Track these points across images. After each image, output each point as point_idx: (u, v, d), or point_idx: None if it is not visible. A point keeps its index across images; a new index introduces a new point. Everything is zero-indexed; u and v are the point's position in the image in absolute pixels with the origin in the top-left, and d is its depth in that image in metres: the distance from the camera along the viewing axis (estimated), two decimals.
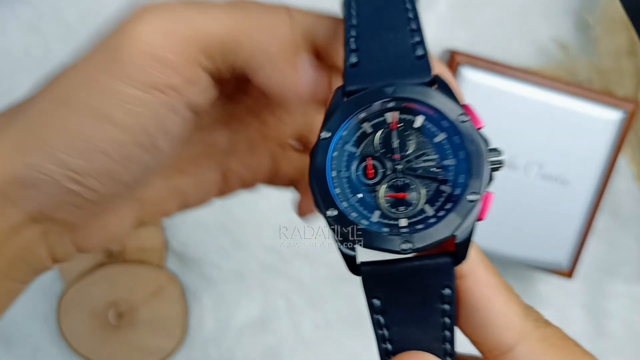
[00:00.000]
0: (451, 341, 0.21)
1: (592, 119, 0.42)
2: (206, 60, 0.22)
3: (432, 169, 0.21)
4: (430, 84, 0.21)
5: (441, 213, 0.20)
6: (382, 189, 0.21)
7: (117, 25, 0.22)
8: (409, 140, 0.21)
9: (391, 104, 0.21)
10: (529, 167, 0.43)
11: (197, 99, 0.23)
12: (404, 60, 0.21)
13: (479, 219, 0.21)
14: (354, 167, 0.21)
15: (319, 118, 0.30)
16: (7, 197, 0.22)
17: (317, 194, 0.20)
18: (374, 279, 0.21)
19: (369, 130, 0.21)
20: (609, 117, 0.42)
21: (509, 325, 0.21)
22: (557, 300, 0.49)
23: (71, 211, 0.23)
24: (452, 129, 0.21)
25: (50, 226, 0.24)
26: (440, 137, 0.21)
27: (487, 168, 0.21)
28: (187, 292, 0.49)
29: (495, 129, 0.43)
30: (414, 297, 0.21)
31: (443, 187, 0.21)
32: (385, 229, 0.20)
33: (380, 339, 0.21)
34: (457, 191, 0.21)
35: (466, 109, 0.21)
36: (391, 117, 0.21)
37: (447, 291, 0.21)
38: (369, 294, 0.21)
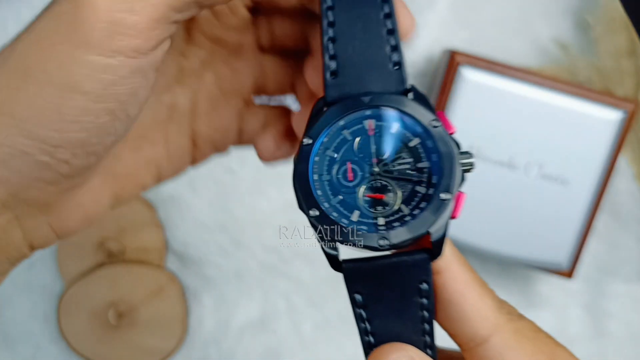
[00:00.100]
0: (430, 334, 0.23)
1: (592, 119, 0.42)
2: (176, 12, 0.22)
3: (407, 171, 0.22)
4: (405, 92, 0.23)
5: (416, 212, 0.22)
6: (361, 191, 0.22)
7: None
8: (386, 145, 0.23)
9: (368, 112, 0.22)
10: (529, 167, 0.43)
11: (160, 57, 0.23)
12: (381, 70, 0.23)
13: (453, 217, 0.22)
14: (334, 170, 0.22)
15: (273, 66, 0.30)
16: None
17: (300, 196, 0.22)
18: (355, 275, 0.22)
19: (349, 136, 0.23)
20: (609, 117, 0.42)
21: (483, 318, 0.22)
22: (557, 300, 0.49)
23: (43, 189, 0.23)
24: (425, 134, 0.22)
25: (23, 209, 0.24)
26: (415, 141, 0.22)
27: (458, 169, 0.22)
28: (187, 292, 0.49)
29: (495, 129, 0.43)
30: (394, 291, 0.22)
31: (418, 188, 0.22)
32: (364, 228, 0.22)
33: (363, 332, 0.22)
34: (431, 191, 0.22)
35: (439, 116, 0.22)
36: (368, 124, 0.23)
37: (424, 286, 0.22)
38: (351, 289, 0.22)
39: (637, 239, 0.48)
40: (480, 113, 0.42)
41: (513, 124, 0.42)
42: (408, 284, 0.22)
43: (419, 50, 0.46)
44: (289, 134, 0.30)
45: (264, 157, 0.30)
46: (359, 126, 0.23)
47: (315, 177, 0.22)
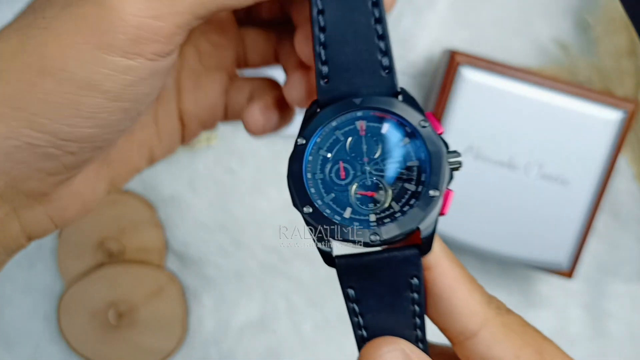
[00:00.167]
0: (422, 328, 0.23)
1: (592, 119, 0.42)
2: (196, 18, 0.23)
3: (397, 170, 0.23)
4: (395, 95, 0.24)
5: (406, 208, 0.23)
6: (353, 189, 0.23)
7: None
8: (377, 145, 0.23)
9: (359, 113, 0.23)
10: (529, 167, 0.43)
11: (175, 59, 0.24)
12: (372, 75, 0.24)
13: (442, 214, 0.23)
14: (327, 169, 0.23)
15: (254, 38, 0.30)
16: None
17: (294, 193, 0.23)
18: (348, 270, 0.23)
19: (341, 137, 0.23)
20: (609, 117, 0.42)
21: (472, 312, 0.23)
22: (557, 300, 0.49)
23: (43, 179, 0.24)
24: (414, 134, 0.23)
25: (21, 200, 0.24)
26: (404, 141, 0.23)
27: (446, 168, 0.23)
28: (187, 292, 0.49)
29: (495, 129, 0.43)
30: (385, 286, 0.23)
31: (407, 186, 0.23)
32: (356, 224, 0.23)
33: (356, 326, 0.23)
34: (420, 189, 0.23)
35: (427, 116, 0.23)
36: (359, 125, 0.23)
37: (415, 281, 0.23)
38: (344, 284, 0.23)
39: (637, 239, 0.48)
40: (480, 113, 0.42)
41: (513, 124, 0.42)
42: (399, 278, 0.23)
43: (419, 50, 0.46)
44: (276, 105, 0.30)
45: (253, 130, 0.30)
46: (351, 127, 0.23)
47: (309, 175, 0.23)
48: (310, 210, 0.23)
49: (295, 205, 0.23)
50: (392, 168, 0.23)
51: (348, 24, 0.24)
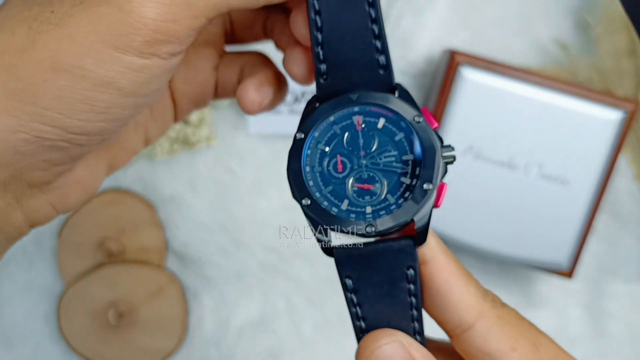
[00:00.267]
0: (419, 320, 0.24)
1: (592, 119, 0.42)
2: (208, 19, 0.24)
3: (393, 164, 0.24)
4: (391, 90, 0.24)
5: (401, 201, 0.23)
6: (350, 181, 0.24)
7: None
8: (373, 139, 0.24)
9: (356, 109, 0.24)
10: (529, 167, 0.43)
11: (183, 56, 0.24)
12: (369, 72, 0.24)
13: (436, 206, 0.24)
14: (325, 163, 0.24)
15: (241, 13, 0.30)
16: None
17: (293, 186, 0.24)
18: (346, 260, 0.24)
19: (338, 131, 0.24)
20: (609, 117, 0.42)
21: (468, 305, 0.23)
22: (557, 300, 0.49)
23: (48, 169, 0.24)
24: (409, 129, 0.24)
25: (24, 189, 0.24)
26: (399, 135, 0.24)
27: (440, 162, 0.23)
28: (187, 292, 0.49)
29: (495, 129, 0.43)
30: (382, 276, 0.24)
31: (402, 179, 0.24)
32: (353, 215, 0.23)
33: (354, 317, 0.24)
34: (414, 182, 0.23)
35: (422, 112, 0.24)
36: (356, 120, 0.24)
37: (411, 271, 0.23)
38: (342, 273, 0.24)
39: (637, 239, 0.48)
40: (480, 113, 0.42)
41: (513, 124, 0.42)
42: (395, 268, 0.23)
43: (419, 50, 0.46)
44: (270, 81, 0.30)
45: (248, 108, 0.29)
46: (348, 121, 0.24)
47: (308, 169, 0.24)
48: (309, 202, 0.23)
49: (294, 197, 0.24)
50: (387, 162, 0.24)
51: (345, 25, 0.24)
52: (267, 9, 0.30)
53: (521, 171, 0.43)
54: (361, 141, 0.24)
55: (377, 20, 0.24)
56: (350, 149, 0.24)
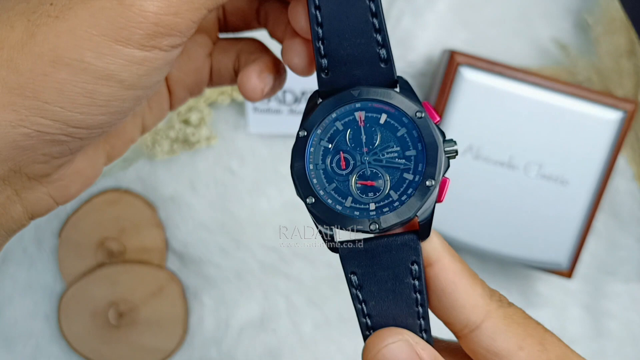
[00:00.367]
0: (425, 317, 0.24)
1: (592, 119, 0.42)
2: (209, 11, 0.23)
3: (395, 160, 0.24)
4: (393, 84, 0.24)
5: (404, 197, 0.23)
6: (354, 178, 0.24)
7: None
8: (375, 135, 0.24)
9: (358, 105, 0.24)
10: (528, 167, 0.43)
11: (182, 48, 0.24)
12: (370, 66, 0.24)
13: (438, 201, 0.24)
14: (328, 160, 0.24)
15: (234, 2, 0.30)
16: None
17: (297, 184, 0.24)
18: (350, 255, 0.24)
19: (341, 127, 0.24)
20: (609, 117, 0.42)
21: (474, 305, 0.23)
22: (556, 300, 0.49)
23: (48, 162, 0.24)
24: (411, 124, 0.24)
25: (24, 182, 0.24)
26: (401, 131, 0.24)
27: (443, 157, 0.23)
28: (187, 292, 0.49)
29: (495, 129, 0.43)
30: (386, 270, 0.24)
31: (405, 175, 0.24)
32: (357, 213, 0.24)
33: (360, 313, 0.24)
34: (417, 178, 0.23)
35: (424, 106, 0.24)
36: (358, 116, 0.24)
37: (415, 267, 0.24)
38: (347, 269, 0.24)
39: (636, 239, 0.48)
40: (480, 113, 0.42)
41: (513, 124, 0.42)
42: (399, 263, 0.23)
43: (419, 50, 0.47)
44: (270, 67, 0.29)
45: (251, 95, 0.29)
46: (350, 117, 0.24)
47: (311, 166, 0.24)
48: (313, 200, 0.24)
49: (299, 195, 0.24)
50: (390, 157, 0.24)
51: (345, 19, 0.24)
52: None
53: (521, 171, 0.43)
54: (364, 137, 0.24)
55: (378, 14, 0.24)
56: (352, 145, 0.24)
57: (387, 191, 0.24)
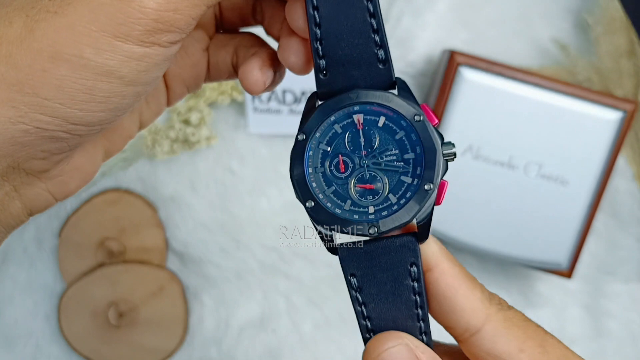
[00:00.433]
0: (425, 319, 0.24)
1: (592, 119, 0.42)
2: (208, 7, 0.24)
3: (394, 163, 0.24)
4: (391, 85, 0.24)
5: (402, 201, 0.23)
6: (352, 181, 0.24)
7: None
8: (374, 138, 0.24)
9: (356, 108, 0.24)
10: (528, 167, 0.43)
11: (181, 44, 0.24)
12: (368, 67, 0.24)
13: (437, 204, 0.24)
14: (327, 163, 0.24)
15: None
16: None
17: (297, 188, 0.24)
18: (350, 257, 0.24)
19: (339, 130, 0.24)
20: (609, 117, 0.42)
21: (474, 309, 0.23)
22: (556, 300, 0.49)
23: (48, 158, 0.24)
24: (409, 127, 0.24)
25: (22, 179, 0.24)
26: (400, 134, 0.24)
27: (441, 160, 0.23)
28: (188, 292, 0.49)
29: (495, 129, 0.43)
30: (385, 273, 0.24)
31: (404, 178, 0.24)
32: (356, 216, 0.24)
33: (360, 316, 0.24)
34: (416, 182, 0.23)
35: (422, 108, 0.24)
36: (357, 119, 0.24)
37: (414, 269, 0.24)
38: (346, 271, 0.24)
39: (636, 239, 0.48)
40: (480, 113, 0.42)
41: (513, 124, 0.42)
42: (398, 264, 0.24)
43: (419, 50, 0.47)
44: (270, 61, 0.29)
45: (253, 89, 0.29)
46: (349, 120, 0.24)
47: (310, 170, 0.24)
48: (312, 204, 0.24)
49: (298, 199, 0.24)
50: (389, 160, 0.24)
51: (343, 19, 0.24)
52: None
53: (521, 171, 0.43)
54: (362, 140, 0.24)
55: (376, 14, 0.24)
56: (351, 148, 0.24)
57: (385, 194, 0.24)
